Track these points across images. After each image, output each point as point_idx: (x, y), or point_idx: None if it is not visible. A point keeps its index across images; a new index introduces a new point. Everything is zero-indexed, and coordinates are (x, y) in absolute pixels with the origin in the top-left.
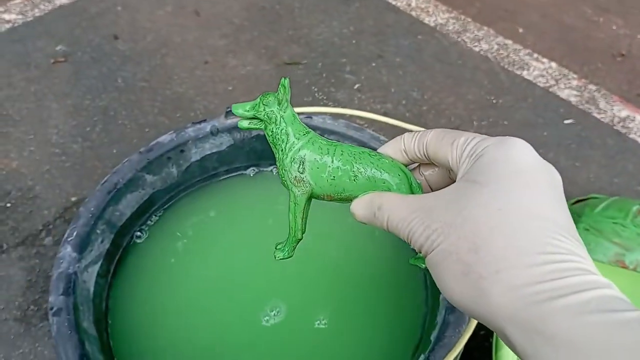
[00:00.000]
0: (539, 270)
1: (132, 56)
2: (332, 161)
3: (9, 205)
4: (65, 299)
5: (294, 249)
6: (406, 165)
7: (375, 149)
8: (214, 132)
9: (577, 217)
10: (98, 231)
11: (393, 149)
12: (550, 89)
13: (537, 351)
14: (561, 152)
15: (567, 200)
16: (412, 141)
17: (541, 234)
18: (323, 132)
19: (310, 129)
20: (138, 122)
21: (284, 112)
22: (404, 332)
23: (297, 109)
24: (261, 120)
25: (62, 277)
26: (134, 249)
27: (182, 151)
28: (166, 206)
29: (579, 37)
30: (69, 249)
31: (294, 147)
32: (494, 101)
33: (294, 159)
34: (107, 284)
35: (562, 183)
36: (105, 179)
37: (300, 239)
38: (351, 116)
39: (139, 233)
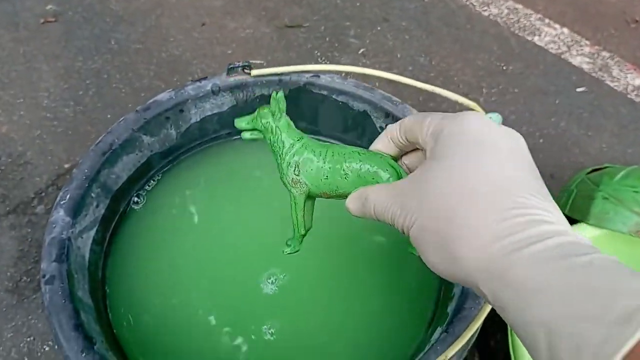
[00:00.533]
0: (502, 227)
1: (125, 16)
2: (324, 162)
3: None
4: (58, 266)
5: (300, 243)
6: (399, 156)
7: (387, 110)
8: (215, 91)
9: (594, 186)
10: (93, 195)
11: (382, 142)
12: (562, 56)
13: (504, 298)
14: (573, 121)
15: (582, 170)
16: (396, 129)
17: (502, 195)
18: (331, 92)
19: (303, 135)
20: (133, 85)
21: (279, 122)
22: (416, 306)
23: (305, 67)
24: (260, 131)
25: (54, 243)
26: (131, 215)
27: (181, 111)
28: (164, 170)
29: (591, 2)
30: (61, 212)
31: (289, 152)
32: (504, 68)
33: (289, 163)
34: (103, 252)
35: (526, 147)
36: (100, 139)
37: (305, 235)
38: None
39: (136, 199)
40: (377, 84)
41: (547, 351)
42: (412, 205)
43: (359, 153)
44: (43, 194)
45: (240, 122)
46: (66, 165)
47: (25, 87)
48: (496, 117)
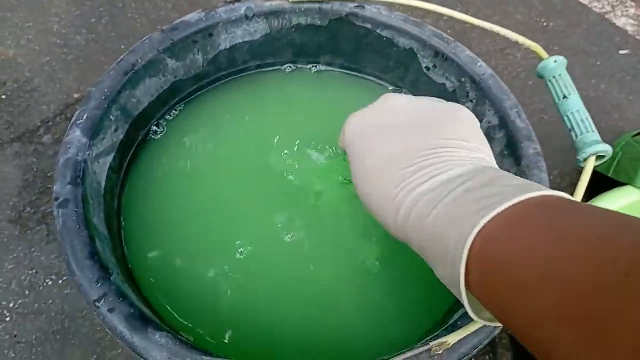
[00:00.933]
0: (400, 174)
1: None
2: None
3: (3, 97)
4: (73, 189)
5: None
6: None
7: (437, 49)
8: (249, 16)
9: None
10: (112, 117)
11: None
12: (607, 16)
13: (414, 237)
14: (614, 84)
15: (626, 133)
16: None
17: (384, 174)
18: (376, 25)
19: None
20: (149, 17)
21: None
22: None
23: None
24: None
25: (69, 165)
26: (149, 145)
27: (210, 35)
28: (188, 99)
29: None
30: (78, 133)
31: None
32: (545, 24)
33: None
34: (120, 181)
35: (403, 106)
36: (122, 57)
37: None
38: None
39: (155, 128)
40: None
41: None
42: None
43: None
44: (50, 123)
45: None
46: (76, 95)
47: (35, 11)
48: (561, 60)
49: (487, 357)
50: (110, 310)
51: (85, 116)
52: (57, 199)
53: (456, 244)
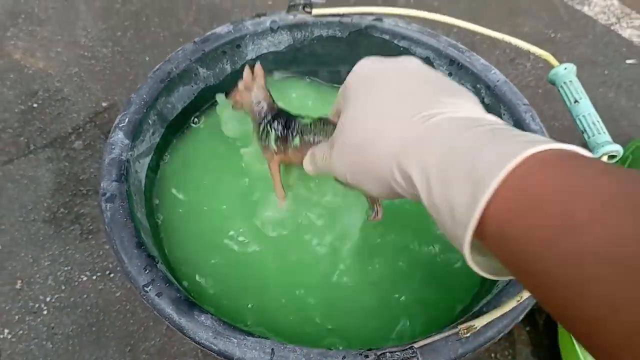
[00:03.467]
0: (416, 108)
1: None
2: (291, 134)
3: (35, 105)
4: (118, 185)
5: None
6: None
7: (452, 57)
8: (274, 29)
9: None
10: (150, 121)
11: (332, 111)
12: (612, 27)
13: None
14: (622, 93)
15: (635, 139)
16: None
17: (400, 107)
18: (393, 36)
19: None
20: (172, 30)
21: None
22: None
23: (365, 9)
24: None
25: (114, 163)
26: (178, 146)
27: (238, 46)
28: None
29: None
30: (120, 135)
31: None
32: (552, 35)
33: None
34: (157, 180)
35: (419, 66)
36: (158, 66)
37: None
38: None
39: (186, 131)
40: None
41: (438, 215)
42: (337, 147)
43: (312, 125)
44: (81, 130)
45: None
46: (104, 104)
47: (63, 24)
48: (571, 67)
49: (507, 352)
50: (158, 295)
51: (126, 120)
52: (104, 194)
53: (490, 165)
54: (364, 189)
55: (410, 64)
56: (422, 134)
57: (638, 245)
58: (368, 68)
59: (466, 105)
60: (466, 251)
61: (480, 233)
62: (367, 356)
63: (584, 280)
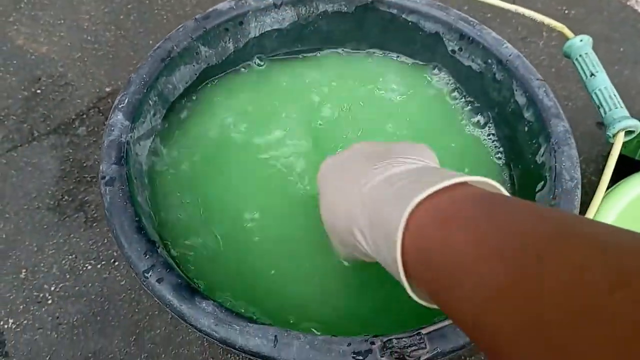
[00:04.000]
0: (362, 174)
1: None
2: None
3: (38, 91)
4: (118, 168)
5: None
6: None
7: (463, 32)
8: (277, 4)
9: None
10: (150, 102)
11: None
12: (628, 3)
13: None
14: (638, 70)
15: None
16: None
17: (345, 182)
18: (401, 10)
19: None
20: (175, 13)
21: None
22: None
23: None
24: None
25: (113, 145)
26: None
27: (240, 23)
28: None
29: None
30: (120, 116)
31: None
32: (566, 12)
33: None
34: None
35: (362, 144)
36: (158, 45)
37: None
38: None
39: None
40: None
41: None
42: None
43: None
44: (84, 115)
45: None
46: (107, 89)
47: (65, 8)
48: (587, 39)
49: None
50: (159, 281)
51: (126, 100)
52: (103, 177)
53: (394, 228)
54: (354, 258)
55: (357, 145)
56: (358, 204)
57: (510, 286)
58: (328, 164)
59: (399, 160)
60: (409, 291)
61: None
62: (373, 342)
63: (469, 317)
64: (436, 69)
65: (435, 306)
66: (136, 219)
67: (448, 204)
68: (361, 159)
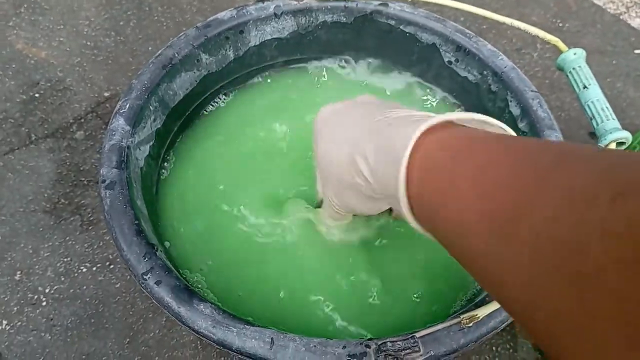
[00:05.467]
0: (370, 118)
1: None
2: None
3: (37, 95)
4: (118, 172)
5: None
6: None
7: (459, 43)
8: (278, 14)
9: None
10: (151, 108)
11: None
12: (621, 17)
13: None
14: (630, 83)
15: None
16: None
17: (356, 122)
18: (399, 22)
19: None
20: (175, 19)
21: None
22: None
23: None
24: None
25: (114, 150)
26: (184, 135)
27: (241, 32)
28: (218, 94)
29: None
30: (121, 121)
31: None
32: (560, 25)
33: None
34: (158, 168)
35: (370, 97)
36: (160, 52)
37: None
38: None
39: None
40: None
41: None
42: (319, 181)
43: None
44: (82, 120)
45: None
46: (106, 94)
47: (65, 14)
48: (580, 52)
49: (508, 346)
50: (157, 283)
51: (127, 105)
52: (103, 181)
53: (404, 140)
54: (354, 209)
55: (363, 97)
56: (365, 132)
57: (505, 205)
58: (327, 111)
59: (405, 110)
60: (409, 216)
61: (412, 209)
62: (368, 346)
63: (467, 244)
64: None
65: (428, 234)
66: (135, 222)
67: (458, 132)
68: (371, 104)
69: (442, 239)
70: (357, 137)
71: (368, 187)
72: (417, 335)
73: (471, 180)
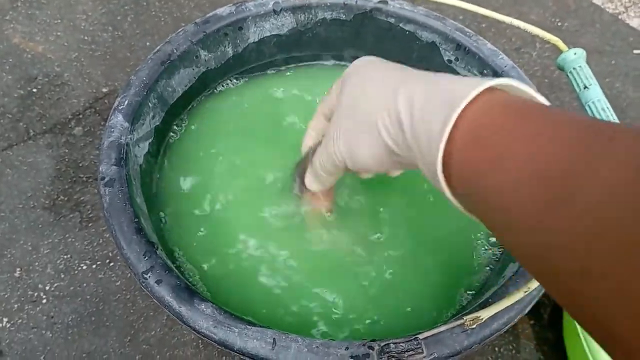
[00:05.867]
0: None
1: None
2: None
3: (34, 90)
4: (118, 170)
5: None
6: None
7: (459, 42)
8: (277, 10)
9: None
10: (150, 104)
11: (310, 137)
12: (620, 16)
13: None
14: (629, 83)
15: None
16: (319, 114)
17: (392, 73)
18: (399, 19)
19: None
20: (173, 15)
21: None
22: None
23: None
24: None
25: (113, 147)
26: (180, 133)
27: (240, 28)
28: (216, 90)
29: None
30: (120, 117)
31: None
32: (559, 24)
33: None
34: (157, 166)
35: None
36: (158, 48)
37: None
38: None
39: (186, 118)
40: None
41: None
42: (332, 127)
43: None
44: (81, 115)
45: None
46: (104, 90)
47: (62, 8)
48: (580, 52)
49: (511, 347)
50: (158, 282)
51: (126, 102)
52: (103, 178)
53: (461, 92)
54: (359, 158)
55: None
56: (407, 77)
57: (555, 166)
58: (365, 60)
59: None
60: (440, 175)
61: (448, 171)
62: (370, 347)
63: (515, 203)
64: None
65: (465, 210)
66: (135, 220)
67: (512, 98)
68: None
69: (482, 208)
70: (404, 77)
71: (397, 135)
72: (420, 336)
73: (531, 145)
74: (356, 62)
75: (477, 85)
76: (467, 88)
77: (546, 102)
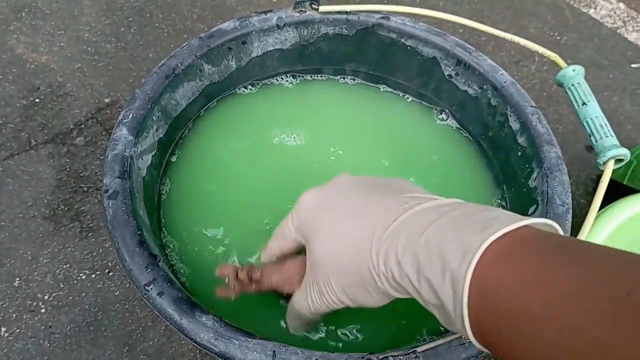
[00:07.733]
0: (384, 211)
1: None
2: None
3: (37, 100)
4: (121, 182)
5: None
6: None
7: (459, 57)
8: (280, 25)
9: None
10: (154, 117)
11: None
12: (618, 31)
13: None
14: (626, 97)
15: (637, 145)
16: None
17: (385, 201)
18: (400, 35)
19: None
20: (175, 27)
21: None
22: None
23: (372, 6)
24: None
25: (117, 159)
26: (184, 145)
27: (244, 43)
28: (218, 101)
29: None
30: (124, 130)
31: None
32: (558, 38)
33: None
34: (160, 178)
35: (355, 178)
36: (163, 62)
37: None
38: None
39: (188, 132)
40: None
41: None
42: (321, 281)
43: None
44: (83, 126)
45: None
46: (106, 100)
47: (66, 19)
48: (579, 69)
49: None
50: (160, 294)
51: (130, 115)
52: (106, 190)
53: (460, 258)
54: (365, 304)
55: (343, 180)
56: (398, 226)
57: (586, 334)
58: (312, 198)
59: (420, 195)
60: (470, 336)
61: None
62: None
63: None
64: (443, 114)
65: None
66: (138, 232)
67: (520, 240)
68: (372, 189)
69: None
70: (378, 235)
71: (385, 288)
72: (419, 349)
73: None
74: (304, 204)
75: (481, 241)
76: (470, 246)
77: (551, 226)
